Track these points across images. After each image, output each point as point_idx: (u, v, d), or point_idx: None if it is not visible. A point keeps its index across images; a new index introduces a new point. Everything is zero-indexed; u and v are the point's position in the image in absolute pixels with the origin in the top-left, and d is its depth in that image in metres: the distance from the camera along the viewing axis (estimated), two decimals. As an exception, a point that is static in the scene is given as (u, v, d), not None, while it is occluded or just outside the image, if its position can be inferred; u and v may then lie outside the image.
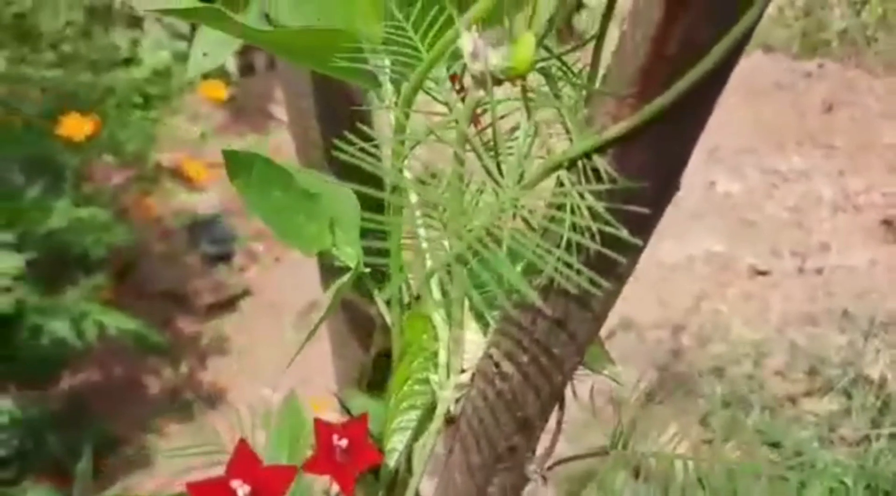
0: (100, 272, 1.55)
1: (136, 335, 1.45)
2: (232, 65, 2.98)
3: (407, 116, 0.29)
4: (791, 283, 2.05)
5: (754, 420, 1.61)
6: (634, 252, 0.26)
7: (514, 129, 0.29)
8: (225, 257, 2.33)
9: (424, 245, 0.35)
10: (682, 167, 0.25)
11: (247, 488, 0.26)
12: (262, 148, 2.59)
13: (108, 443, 1.71)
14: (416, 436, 0.35)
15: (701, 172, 2.30)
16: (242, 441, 0.27)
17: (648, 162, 0.24)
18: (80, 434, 1.62)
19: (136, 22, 2.95)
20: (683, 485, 1.42)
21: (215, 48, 0.47)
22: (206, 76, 2.81)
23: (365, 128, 0.54)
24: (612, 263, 0.25)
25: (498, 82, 0.24)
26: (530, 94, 0.25)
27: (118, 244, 1.52)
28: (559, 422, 0.34)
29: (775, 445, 1.55)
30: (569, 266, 0.25)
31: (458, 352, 0.33)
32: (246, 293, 2.24)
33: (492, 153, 0.27)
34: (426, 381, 0.35)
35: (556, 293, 0.27)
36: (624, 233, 0.23)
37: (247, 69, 3.03)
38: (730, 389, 1.68)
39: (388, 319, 0.37)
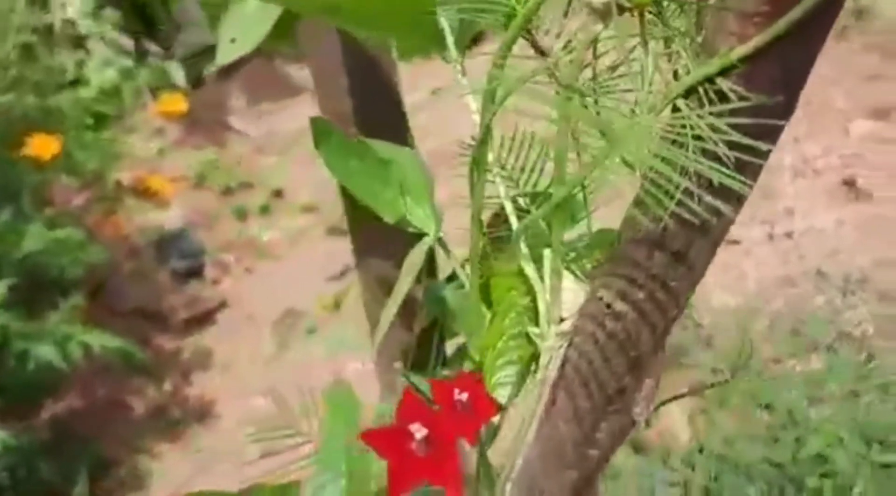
0: (76, 293, 1.51)
1: (121, 353, 1.42)
2: (181, 78, 2.94)
3: (504, 60, 0.29)
4: (763, 250, 2.09)
5: (745, 385, 1.64)
6: (754, 173, 0.27)
7: (615, 67, 0.29)
8: (196, 271, 2.29)
9: (507, 205, 0.35)
10: (804, 83, 0.25)
11: (424, 431, 0.26)
12: (221, 160, 2.56)
13: (100, 466, 1.67)
14: (516, 391, 0.35)
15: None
16: (408, 389, 0.27)
17: (774, 79, 0.25)
18: (72, 459, 1.59)
19: (79, 42, 2.88)
20: (683, 455, 1.43)
21: (245, 32, 0.46)
22: (156, 91, 2.77)
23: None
24: (731, 190, 0.26)
25: (622, 11, 0.24)
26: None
27: (93, 263, 1.49)
28: (659, 362, 0.34)
29: (767, 407, 1.58)
30: (691, 195, 0.25)
31: (557, 301, 0.33)
32: (222, 305, 2.21)
33: (603, 90, 0.27)
34: (520, 336, 0.35)
35: (675, 224, 0.28)
36: (756, 143, 0.24)
37: (196, 82, 2.99)
38: (719, 358, 1.71)
39: (466, 283, 0.37)
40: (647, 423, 0.35)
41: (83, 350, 1.39)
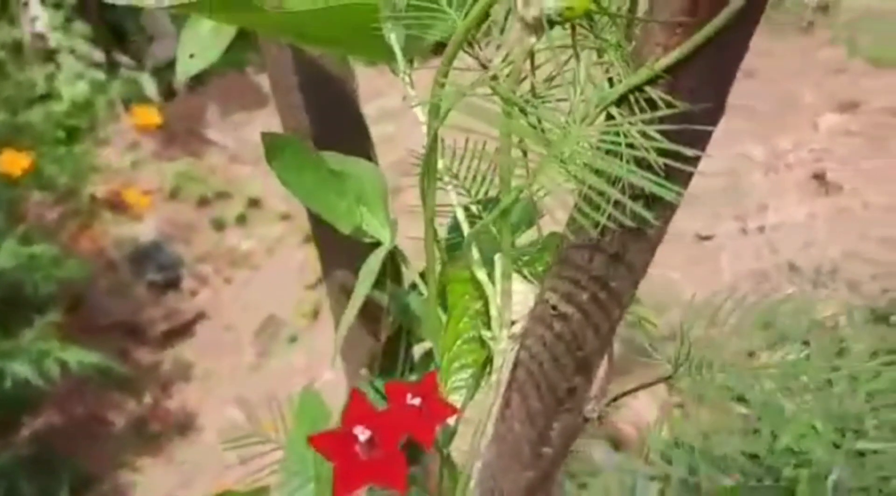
0: (52, 309, 1.51)
1: (99, 368, 1.42)
2: (153, 89, 2.93)
3: (445, 76, 0.30)
4: (736, 244, 2.11)
5: (719, 378, 1.66)
6: (685, 179, 0.28)
7: (550, 79, 0.30)
8: (173, 283, 2.29)
9: (459, 213, 0.36)
10: (729, 88, 0.27)
11: (367, 433, 0.26)
12: (196, 171, 2.56)
13: (82, 482, 1.66)
14: (472, 394, 0.36)
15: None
16: (355, 390, 0.27)
17: (700, 86, 0.26)
18: (52, 476, 1.58)
19: (50, 56, 2.87)
20: (662, 450, 1.45)
21: (204, 48, 0.46)
22: (128, 103, 2.76)
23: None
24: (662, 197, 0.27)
25: (552, 25, 0.25)
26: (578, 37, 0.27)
27: (70, 279, 1.48)
28: (610, 359, 0.35)
29: (744, 400, 1.60)
30: (628, 199, 0.26)
31: (508, 304, 0.34)
32: (200, 317, 2.20)
33: (540, 101, 0.28)
34: (475, 340, 0.36)
35: (611, 229, 0.29)
36: (684, 150, 0.25)
37: (168, 94, 2.98)
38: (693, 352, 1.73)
39: (425, 289, 0.38)
40: (601, 420, 0.36)
41: (60, 366, 1.39)
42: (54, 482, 1.59)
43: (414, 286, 0.57)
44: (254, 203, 2.48)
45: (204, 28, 0.46)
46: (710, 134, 0.26)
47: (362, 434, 0.26)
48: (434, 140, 0.32)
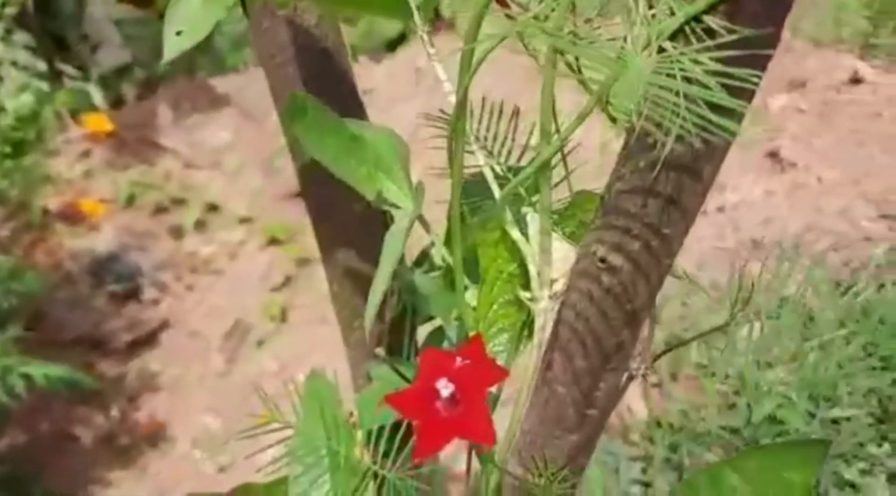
0: (13, 324, 1.46)
1: (65, 381, 1.37)
2: (100, 98, 2.86)
3: (480, 22, 0.28)
4: (698, 225, 2.13)
5: (695, 356, 1.68)
6: (749, 96, 0.27)
7: (593, 19, 0.29)
8: (133, 293, 2.24)
9: (487, 172, 0.35)
10: (787, 13, 0.26)
11: (451, 387, 0.25)
12: (150, 178, 2.50)
13: (53, 501, 1.61)
14: (511, 359, 0.35)
15: (597, 133, 2.37)
16: (430, 348, 0.26)
17: (758, 12, 0.25)
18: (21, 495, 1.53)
19: (-11, 68, 2.79)
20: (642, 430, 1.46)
21: (193, 23, 0.44)
22: (76, 113, 2.69)
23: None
24: (727, 112, 0.26)
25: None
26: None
27: (28, 293, 1.43)
28: (651, 317, 0.34)
29: (717, 375, 1.62)
30: (687, 121, 0.25)
31: (548, 261, 0.33)
32: (164, 325, 2.15)
33: (587, 41, 0.27)
34: (510, 303, 0.35)
35: (667, 169, 0.28)
36: (748, 72, 0.24)
37: (117, 102, 2.91)
38: (666, 332, 1.75)
39: (445, 257, 0.37)
40: (646, 378, 0.35)
41: (25, 381, 1.34)
42: (24, 502, 1.54)
43: (418, 263, 0.56)
44: (212, 208, 2.43)
45: (193, 1, 0.44)
46: (769, 57, 0.26)
47: (445, 388, 0.25)
48: (464, 96, 0.31)
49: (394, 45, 3.07)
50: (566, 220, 0.36)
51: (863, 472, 1.42)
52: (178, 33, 0.46)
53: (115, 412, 1.89)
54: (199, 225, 2.40)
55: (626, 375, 0.34)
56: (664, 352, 0.37)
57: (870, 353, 1.53)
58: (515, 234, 0.34)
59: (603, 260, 0.30)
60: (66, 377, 1.40)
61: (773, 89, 2.61)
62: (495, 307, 0.35)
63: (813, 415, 1.47)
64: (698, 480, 0.49)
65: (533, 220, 0.34)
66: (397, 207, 0.38)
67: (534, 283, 0.33)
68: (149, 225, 2.39)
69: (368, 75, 2.76)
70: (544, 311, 0.33)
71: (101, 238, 2.32)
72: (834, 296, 1.75)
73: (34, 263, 2.10)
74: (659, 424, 1.52)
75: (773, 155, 2.36)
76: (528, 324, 0.35)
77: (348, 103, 0.49)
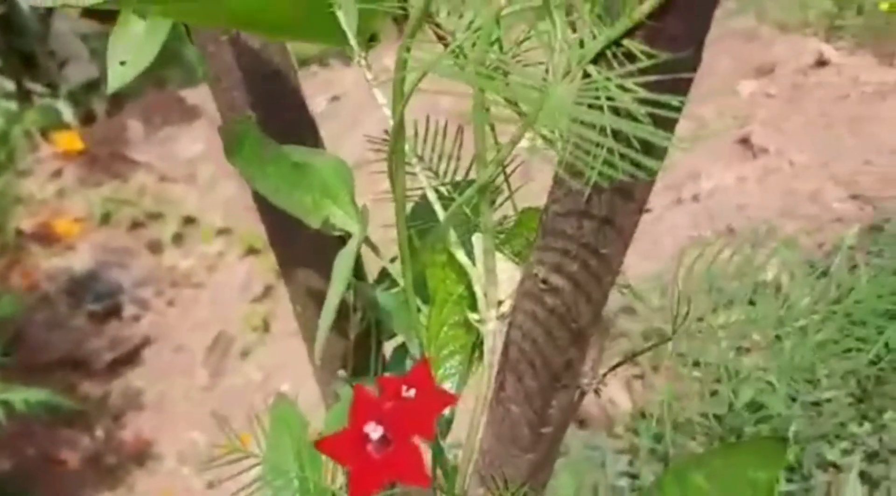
0: (-10, 350, 1.45)
1: (46, 405, 1.36)
2: (70, 115, 2.84)
3: (408, 50, 0.28)
4: (673, 215, 2.15)
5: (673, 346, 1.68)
6: (671, 127, 0.27)
7: (520, 43, 0.29)
8: (114, 311, 2.22)
9: (430, 194, 0.35)
10: (706, 34, 0.26)
11: (380, 430, 0.25)
12: (125, 194, 2.48)
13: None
14: (464, 380, 0.35)
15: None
16: (359, 388, 0.26)
17: (678, 34, 0.25)
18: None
19: (-44, 90, 2.77)
20: (626, 422, 1.46)
21: (136, 52, 0.44)
22: (46, 131, 2.66)
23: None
24: (652, 146, 0.26)
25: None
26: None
27: (5, 316, 1.42)
28: (601, 330, 0.34)
29: (699, 364, 1.63)
30: (612, 155, 0.26)
31: (494, 282, 0.33)
32: (146, 342, 2.14)
33: (514, 62, 0.27)
34: (460, 325, 0.35)
35: (598, 191, 0.28)
36: (669, 98, 0.24)
37: (88, 118, 2.89)
38: (645, 325, 1.76)
39: (399, 279, 0.37)
40: (598, 393, 0.35)
41: (5, 408, 1.33)
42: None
43: (380, 280, 0.56)
44: (189, 221, 2.42)
45: (135, 30, 0.44)
46: (690, 81, 0.26)
47: (374, 431, 0.25)
48: (400, 120, 0.31)
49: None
50: (513, 239, 0.36)
51: (845, 452, 1.44)
52: (122, 63, 0.46)
53: (99, 432, 1.88)
54: (177, 238, 2.38)
55: (577, 392, 0.35)
56: (615, 366, 0.37)
57: (846, 335, 1.54)
58: (460, 255, 0.34)
59: (545, 281, 0.31)
60: (47, 401, 1.39)
61: (741, 76, 2.62)
62: (445, 329, 0.35)
63: (794, 399, 1.49)
64: (665, 481, 0.49)
65: (477, 241, 0.34)
66: (345, 232, 0.38)
67: (481, 305, 0.33)
68: (126, 241, 2.38)
69: (339, 80, 2.75)
70: (493, 333, 0.33)
71: (78, 257, 2.30)
72: (808, 279, 1.76)
73: (10, 286, 2.09)
74: (643, 416, 1.53)
75: (745, 141, 2.37)
76: (479, 346, 0.35)
77: (297, 125, 0.49)
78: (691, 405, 1.57)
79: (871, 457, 1.42)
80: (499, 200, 0.37)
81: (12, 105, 2.78)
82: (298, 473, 0.49)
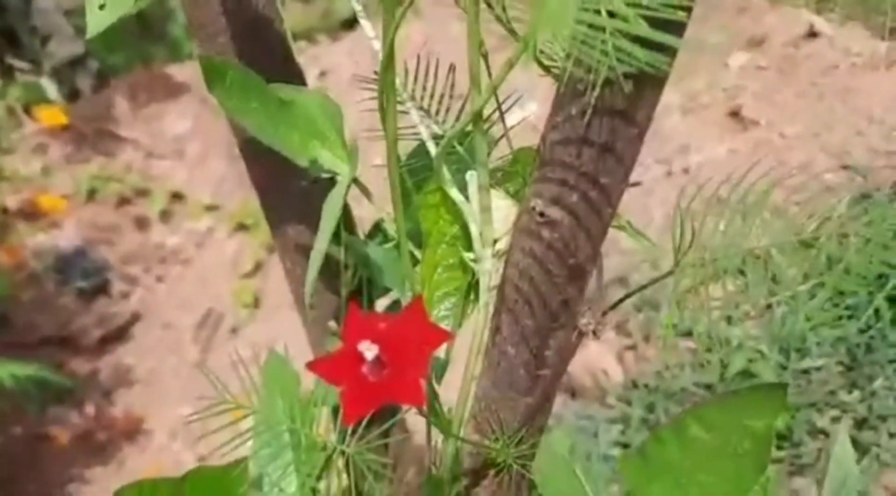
0: (-24, 327, 1.43)
1: (35, 380, 1.35)
2: (54, 91, 2.80)
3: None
4: (663, 188, 2.14)
5: (665, 317, 1.69)
6: (679, 30, 0.26)
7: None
8: (102, 289, 2.20)
9: (423, 131, 0.34)
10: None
11: (374, 349, 0.24)
12: (111, 171, 2.46)
13: (30, 503, 1.60)
14: (459, 322, 0.34)
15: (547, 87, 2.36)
16: (353, 302, 0.25)
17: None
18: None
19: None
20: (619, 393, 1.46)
21: (116, -2, 0.43)
22: (29, 108, 2.63)
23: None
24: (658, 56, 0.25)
25: None
26: None
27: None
28: (600, 269, 0.34)
29: (690, 334, 1.63)
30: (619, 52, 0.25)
31: (489, 220, 0.32)
32: (135, 319, 2.13)
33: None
34: (455, 267, 0.34)
35: (599, 115, 0.27)
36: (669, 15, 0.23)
37: (72, 95, 2.85)
38: (637, 296, 1.75)
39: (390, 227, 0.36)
40: (596, 334, 0.35)
41: (-7, 384, 1.32)
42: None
43: (371, 236, 0.55)
44: (176, 197, 2.40)
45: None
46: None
47: (369, 350, 0.24)
48: (391, 51, 0.30)
49: (352, 23, 3.04)
50: (510, 179, 0.35)
51: (835, 420, 1.44)
52: (102, 7, 0.45)
53: (90, 409, 1.87)
54: (165, 215, 2.36)
55: (575, 333, 0.34)
56: (613, 306, 0.36)
57: (836, 304, 1.55)
58: (454, 193, 0.33)
59: (542, 214, 0.30)
60: (35, 375, 1.38)
61: (731, 48, 2.61)
62: (440, 271, 0.34)
63: (784, 367, 1.49)
64: (664, 434, 0.49)
65: (472, 178, 0.33)
66: (334, 173, 0.37)
67: (476, 244, 0.32)
68: (113, 218, 2.36)
69: (328, 55, 2.72)
70: (488, 272, 0.32)
71: (65, 234, 2.28)
72: (798, 249, 1.77)
73: (-2, 263, 2.07)
74: (635, 385, 1.53)
75: (735, 113, 2.37)
76: (474, 287, 0.34)
77: (284, 70, 0.47)
78: (683, 375, 1.57)
79: (861, 423, 1.43)
80: (495, 141, 0.36)
81: (-5, 82, 2.74)
82: (290, 425, 0.48)
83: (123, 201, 2.38)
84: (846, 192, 1.84)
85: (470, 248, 0.33)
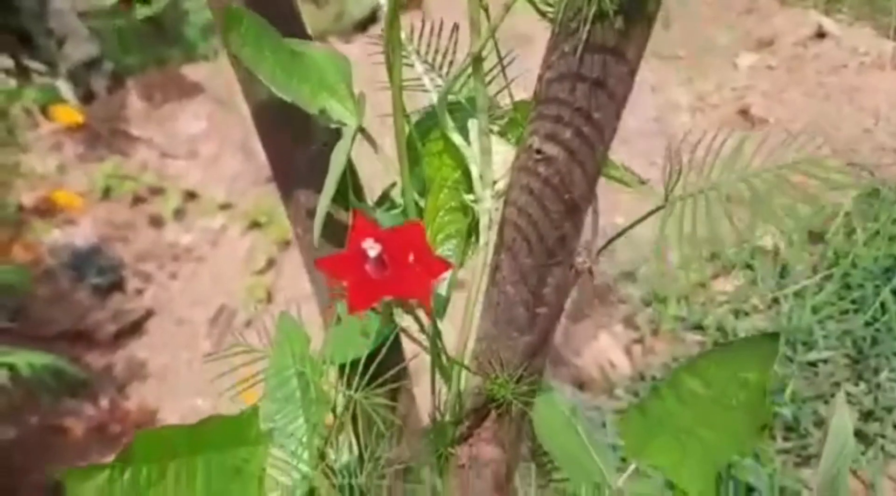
0: (-4, 316, 1.46)
1: (50, 370, 1.37)
2: (69, 93, 2.84)
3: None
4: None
5: (674, 311, 1.70)
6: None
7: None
8: (116, 285, 2.23)
9: (427, 82, 0.36)
10: None
11: (377, 248, 0.26)
12: (126, 170, 2.49)
13: (45, 493, 1.62)
14: (460, 262, 0.36)
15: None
16: (356, 211, 0.27)
17: None
18: (14, 491, 1.53)
19: (-46, 68, 2.77)
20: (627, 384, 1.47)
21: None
22: (46, 109, 2.67)
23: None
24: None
25: None
26: None
27: (11, 284, 1.43)
28: (595, 211, 0.35)
29: (699, 328, 1.64)
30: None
31: (489, 162, 0.34)
32: (150, 315, 2.15)
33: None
34: (456, 210, 0.36)
35: (591, 52, 0.29)
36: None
37: (88, 96, 2.89)
38: (644, 289, 1.77)
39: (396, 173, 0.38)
40: (591, 272, 0.36)
41: (9, 372, 1.34)
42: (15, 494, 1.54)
43: (380, 202, 0.57)
44: (190, 196, 2.43)
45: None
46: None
47: (372, 248, 0.26)
48: (394, 7, 0.32)
49: (364, 25, 3.07)
50: (511, 128, 0.37)
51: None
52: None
53: (104, 402, 1.90)
54: (179, 213, 2.39)
55: (572, 271, 0.36)
56: (610, 242, 0.38)
57: (842, 297, 1.56)
58: (456, 137, 0.35)
59: (539, 151, 0.32)
60: (51, 365, 1.41)
61: (739, 49, 2.63)
62: (442, 214, 0.36)
63: (791, 360, 1.50)
64: (662, 390, 0.50)
65: (473, 124, 0.35)
66: (342, 124, 0.39)
67: (476, 185, 0.34)
68: (127, 216, 2.39)
69: (339, 56, 2.75)
70: (488, 211, 0.34)
71: (80, 232, 2.31)
72: (806, 244, 1.77)
73: (12, 260, 2.10)
74: (642, 378, 1.54)
75: (744, 112, 2.38)
76: (475, 229, 0.36)
77: (291, 25, 0.48)
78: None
79: (867, 415, 1.43)
80: (495, 91, 0.38)
81: (10, 82, 2.78)
82: (298, 368, 0.50)
83: (138, 200, 2.41)
84: (853, 190, 1.85)
85: (471, 190, 0.35)
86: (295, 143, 0.51)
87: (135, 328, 2.11)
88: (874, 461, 1.37)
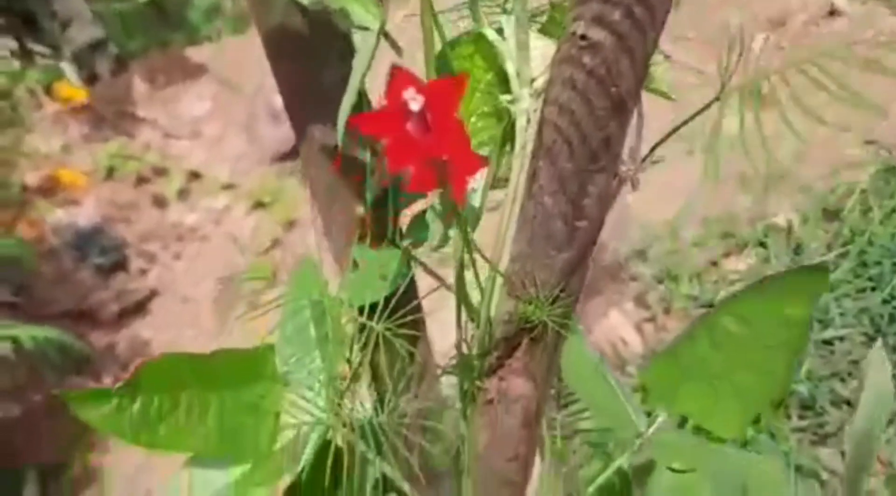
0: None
1: (55, 344, 1.35)
2: (73, 75, 2.82)
3: None
4: (685, 164, 2.13)
5: (686, 289, 1.68)
6: None
7: None
8: (120, 265, 2.21)
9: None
10: None
11: (419, 100, 0.23)
12: (130, 150, 2.47)
13: (49, 469, 1.60)
14: (494, 171, 0.33)
15: None
16: (396, 67, 0.24)
17: None
18: (18, 469, 1.52)
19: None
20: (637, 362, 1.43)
21: None
22: (49, 89, 2.65)
23: None
24: None
25: None
26: None
27: (15, 257, 1.41)
28: (640, 114, 0.33)
29: (711, 306, 1.62)
30: None
31: (526, 58, 0.31)
32: (153, 294, 2.13)
33: None
34: (491, 114, 0.34)
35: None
36: None
37: (91, 78, 2.87)
38: (656, 268, 1.74)
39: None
40: (635, 185, 0.34)
41: (12, 344, 1.32)
42: (20, 471, 1.53)
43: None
44: (194, 176, 2.41)
45: None
46: None
47: (414, 100, 0.23)
48: None
49: None
50: (552, 27, 0.34)
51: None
52: None
53: (107, 380, 1.88)
54: (182, 194, 2.37)
55: (616, 179, 0.33)
56: (653, 149, 0.35)
57: (858, 275, 1.53)
58: (490, 33, 0.32)
59: (584, 37, 0.29)
60: (55, 339, 1.38)
61: (752, 29, 2.60)
62: (474, 119, 0.33)
63: (808, 338, 1.47)
64: (696, 331, 0.48)
65: (509, 20, 0.32)
66: (363, 28, 0.36)
67: (513, 83, 0.32)
68: (131, 196, 2.37)
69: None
70: (525, 112, 0.32)
71: (84, 211, 2.29)
72: (821, 222, 1.75)
73: (16, 239, 2.08)
74: (654, 355, 1.51)
75: (758, 92, 2.35)
76: (510, 134, 0.33)
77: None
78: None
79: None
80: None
81: (14, 64, 2.76)
82: (316, 325, 0.48)
83: (142, 180, 2.39)
84: (869, 167, 1.82)
85: (506, 91, 0.33)
86: (309, 77, 0.49)
87: (138, 308, 2.09)
88: (893, 440, 1.35)
